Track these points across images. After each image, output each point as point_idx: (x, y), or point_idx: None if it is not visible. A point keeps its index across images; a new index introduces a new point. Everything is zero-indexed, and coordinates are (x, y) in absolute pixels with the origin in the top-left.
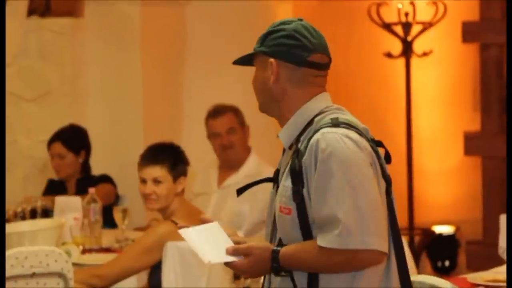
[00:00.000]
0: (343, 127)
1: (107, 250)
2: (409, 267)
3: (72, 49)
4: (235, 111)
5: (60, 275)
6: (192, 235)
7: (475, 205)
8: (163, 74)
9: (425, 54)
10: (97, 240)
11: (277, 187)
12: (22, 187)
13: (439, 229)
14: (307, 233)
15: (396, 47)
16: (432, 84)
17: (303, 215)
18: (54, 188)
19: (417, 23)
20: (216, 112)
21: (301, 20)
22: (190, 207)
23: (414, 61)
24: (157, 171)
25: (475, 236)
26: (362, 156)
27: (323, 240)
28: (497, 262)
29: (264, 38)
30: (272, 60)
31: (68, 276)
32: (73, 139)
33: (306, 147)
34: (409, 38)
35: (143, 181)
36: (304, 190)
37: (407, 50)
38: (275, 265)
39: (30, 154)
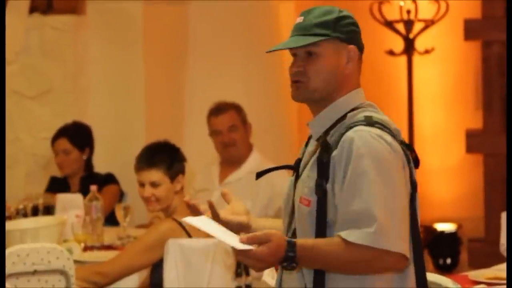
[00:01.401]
0: (377, 127)
1: (109, 247)
2: None
3: (74, 46)
4: (237, 109)
5: (62, 272)
6: (200, 222)
7: (477, 203)
8: (165, 72)
9: (427, 51)
10: (98, 238)
11: (296, 176)
12: (25, 185)
13: (441, 226)
14: (321, 229)
15: (398, 44)
16: (434, 82)
17: (322, 210)
18: (57, 185)
19: (419, 20)
20: (218, 109)
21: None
22: None
23: (416, 58)
24: (154, 174)
25: (477, 234)
26: (395, 158)
27: (352, 236)
28: (499, 259)
29: (334, 23)
30: (352, 46)
31: (70, 274)
32: (79, 135)
33: (336, 142)
34: (411, 36)
35: (141, 184)
36: (328, 185)
37: (409, 47)
38: (291, 254)
39: (33, 152)
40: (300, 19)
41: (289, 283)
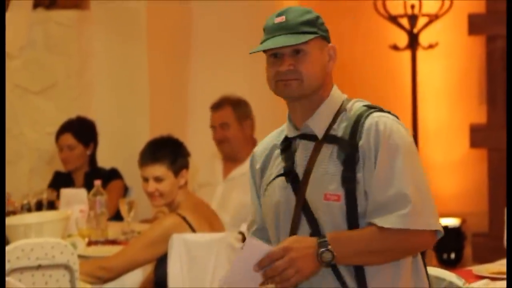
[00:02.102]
0: (387, 112)
1: (113, 242)
2: None
3: (78, 41)
4: (234, 105)
5: (66, 267)
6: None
7: (481, 198)
8: (169, 67)
9: (431, 46)
10: (103, 232)
11: (292, 180)
12: (29, 180)
13: (445, 221)
14: (353, 221)
15: (402, 39)
16: (438, 77)
17: (352, 202)
18: (61, 180)
19: (423, 15)
20: (215, 104)
21: None
22: (195, 198)
23: (420, 53)
24: (158, 169)
25: (481, 229)
26: (412, 140)
27: (387, 221)
28: (503, 254)
29: (317, 22)
30: (331, 44)
31: (74, 268)
32: (83, 131)
33: (352, 133)
34: (415, 31)
35: (145, 179)
36: (359, 175)
37: (413, 42)
38: (323, 240)
39: (37, 147)
40: (281, 19)
41: (316, 284)
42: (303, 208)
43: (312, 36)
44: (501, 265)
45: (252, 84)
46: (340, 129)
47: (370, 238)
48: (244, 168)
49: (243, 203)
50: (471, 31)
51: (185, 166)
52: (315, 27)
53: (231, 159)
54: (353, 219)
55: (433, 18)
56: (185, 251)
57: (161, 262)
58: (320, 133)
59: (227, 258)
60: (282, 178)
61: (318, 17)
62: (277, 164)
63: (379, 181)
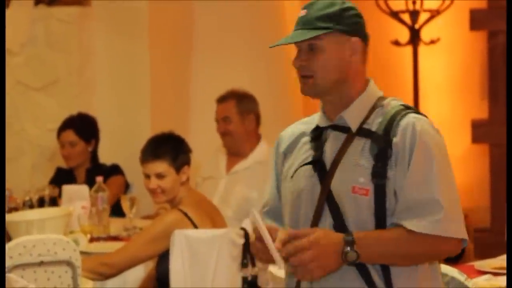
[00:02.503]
0: (423, 115)
1: (115, 238)
2: None
3: (80, 38)
4: (239, 99)
5: (68, 263)
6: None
7: (483, 193)
8: (170, 63)
9: (432, 42)
10: (105, 229)
11: (319, 170)
12: (30, 176)
13: None
14: (381, 218)
15: (404, 35)
16: (440, 72)
17: (381, 199)
18: (63, 176)
19: (425, 11)
20: (220, 97)
21: None
22: (197, 194)
23: (422, 49)
24: (159, 166)
25: (483, 224)
26: (445, 147)
27: (417, 226)
28: (505, 249)
29: (337, 16)
30: (356, 39)
31: (76, 265)
32: (84, 127)
33: (386, 130)
34: (416, 26)
35: (147, 176)
36: (391, 172)
37: (414, 38)
38: (350, 237)
39: (38, 143)
40: (303, 12)
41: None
42: (327, 199)
43: (321, 32)
44: (503, 260)
45: (253, 81)
46: (375, 124)
47: (398, 240)
48: (247, 163)
49: (245, 197)
50: (472, 27)
51: (187, 162)
52: (333, 22)
53: (234, 153)
54: (381, 216)
55: (434, 13)
56: (187, 247)
57: (163, 258)
58: (354, 126)
59: (229, 254)
60: (309, 167)
61: (343, 10)
62: (304, 152)
63: (412, 183)
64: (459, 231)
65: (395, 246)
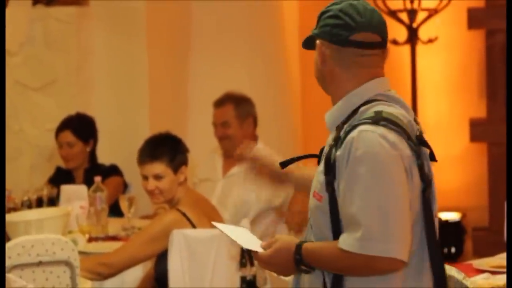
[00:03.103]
0: (382, 125)
1: (114, 238)
2: None
3: (78, 38)
4: (236, 103)
5: (67, 263)
6: (226, 227)
7: (481, 192)
8: (169, 63)
9: (430, 41)
10: (103, 229)
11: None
12: (29, 176)
13: (445, 215)
14: (337, 226)
15: (402, 34)
16: (438, 71)
17: (334, 208)
18: (62, 176)
19: (423, 9)
20: (218, 102)
21: None
22: (195, 194)
23: (420, 48)
24: (157, 167)
25: (481, 223)
26: (396, 160)
27: (343, 243)
28: (503, 248)
29: (318, 21)
30: (318, 41)
31: (75, 265)
32: (82, 127)
33: (342, 141)
34: (414, 25)
35: (145, 177)
36: (336, 183)
37: (412, 37)
38: (298, 256)
39: (37, 143)
40: None
41: (309, 282)
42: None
43: (306, 38)
44: (501, 259)
45: (252, 81)
46: (345, 132)
47: (334, 256)
48: (244, 166)
49: (243, 200)
50: (470, 25)
51: (184, 162)
52: (315, 29)
53: (231, 156)
54: (336, 224)
55: (432, 12)
56: (186, 247)
57: (161, 258)
58: (330, 128)
59: (227, 253)
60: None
61: (321, 14)
62: None
63: (341, 198)
64: (387, 249)
65: (333, 262)
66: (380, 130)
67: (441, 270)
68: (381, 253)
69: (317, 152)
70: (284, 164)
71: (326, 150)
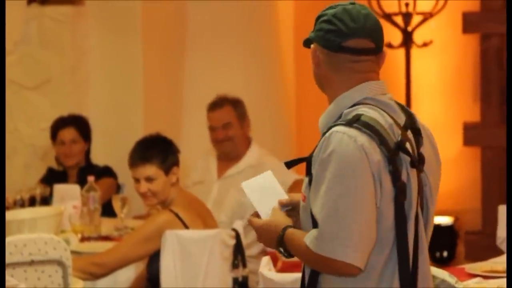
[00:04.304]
0: (355, 128)
1: (106, 238)
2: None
3: (73, 37)
4: (234, 104)
5: (59, 263)
6: (252, 187)
7: (474, 196)
8: (164, 63)
9: (425, 44)
10: (96, 229)
11: None
12: (23, 175)
13: (438, 219)
14: (316, 224)
15: (396, 37)
16: (432, 75)
17: None
18: (54, 176)
19: (418, 13)
20: (214, 105)
21: (352, 3)
22: (188, 195)
23: (414, 51)
24: (148, 169)
25: (473, 227)
26: (362, 163)
27: (307, 238)
28: (496, 252)
29: (315, 21)
30: (312, 45)
31: (67, 264)
32: (84, 126)
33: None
34: (409, 29)
35: (137, 180)
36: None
37: (407, 40)
38: (279, 238)
39: (31, 142)
40: None
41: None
42: None
43: (304, 40)
44: (493, 263)
45: (247, 82)
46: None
47: (301, 248)
48: (240, 167)
49: (240, 201)
50: (465, 29)
51: (176, 163)
52: (312, 31)
53: (229, 158)
54: (316, 223)
55: (427, 16)
56: (178, 248)
57: (154, 259)
58: (322, 131)
59: (220, 254)
60: None
61: (317, 18)
62: None
63: (310, 197)
64: (336, 253)
65: (300, 254)
66: (351, 132)
67: (408, 279)
68: (333, 256)
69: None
70: (289, 164)
71: None
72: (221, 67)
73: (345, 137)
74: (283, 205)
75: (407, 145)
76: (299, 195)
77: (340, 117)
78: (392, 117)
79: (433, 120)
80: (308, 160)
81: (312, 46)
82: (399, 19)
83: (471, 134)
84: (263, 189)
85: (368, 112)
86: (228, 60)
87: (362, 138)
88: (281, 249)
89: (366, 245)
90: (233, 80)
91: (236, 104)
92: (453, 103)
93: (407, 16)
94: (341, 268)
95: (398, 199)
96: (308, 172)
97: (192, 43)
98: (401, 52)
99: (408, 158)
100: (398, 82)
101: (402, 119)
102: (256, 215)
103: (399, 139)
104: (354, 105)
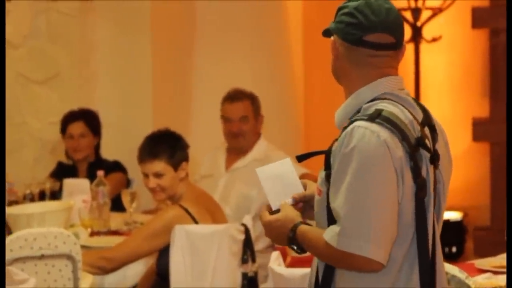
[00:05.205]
0: (377, 123)
1: (115, 233)
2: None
3: (82, 31)
4: (252, 99)
5: (69, 257)
6: (266, 174)
7: (483, 191)
8: (172, 58)
9: (434, 39)
10: (105, 223)
11: None
12: (32, 169)
13: (447, 215)
14: (332, 222)
15: (406, 32)
16: (441, 70)
17: (329, 201)
18: (64, 171)
19: (427, 8)
20: (234, 97)
21: None
22: (197, 190)
23: (424, 46)
24: (156, 165)
25: (482, 222)
26: (385, 158)
27: (327, 234)
28: (505, 248)
29: (336, 12)
30: (332, 37)
31: (77, 258)
32: (93, 120)
33: (339, 136)
34: (418, 24)
35: (146, 175)
36: (331, 179)
37: (416, 35)
38: (291, 234)
39: (40, 136)
40: None
41: (311, 274)
42: None
43: (324, 30)
44: (503, 259)
45: (255, 79)
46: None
47: (318, 244)
48: (246, 160)
49: (245, 195)
50: (474, 25)
51: (185, 158)
52: (333, 22)
53: (237, 152)
54: (331, 217)
55: (436, 11)
56: (187, 243)
57: (163, 253)
58: (338, 125)
59: (229, 249)
60: None
61: (338, 10)
62: None
63: (331, 191)
64: (360, 249)
65: (317, 250)
66: (374, 127)
67: (428, 274)
68: (356, 251)
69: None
70: (300, 158)
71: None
72: (229, 62)
73: (367, 132)
74: (296, 201)
75: (426, 141)
76: (313, 187)
77: (358, 111)
78: (411, 113)
79: (441, 116)
80: (327, 154)
81: (332, 38)
82: (408, 15)
83: (480, 130)
84: (278, 177)
85: (388, 107)
86: (236, 56)
87: (384, 134)
88: (294, 246)
89: (389, 241)
90: (241, 76)
91: (254, 100)
92: (462, 98)
93: (416, 12)
94: (363, 264)
95: (418, 195)
96: (327, 167)
97: (200, 38)
98: (410, 47)
99: (427, 154)
100: (407, 77)
101: (419, 115)
102: (268, 207)
103: (418, 135)
104: (372, 100)
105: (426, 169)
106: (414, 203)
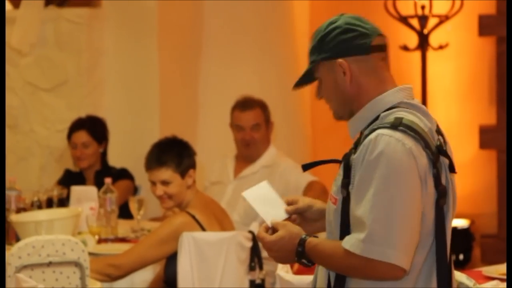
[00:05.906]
0: (401, 131)
1: (123, 240)
2: None
3: (89, 39)
4: (263, 107)
5: (77, 264)
6: (253, 196)
7: (490, 199)
8: (180, 65)
9: (441, 47)
10: (113, 230)
11: None
12: (39, 177)
13: (454, 222)
14: (345, 230)
15: (412, 40)
16: (448, 78)
17: (345, 209)
18: (71, 178)
19: (434, 16)
20: (245, 105)
21: (343, 14)
22: (204, 197)
23: (430, 54)
24: (163, 173)
25: (490, 230)
26: (411, 166)
27: (347, 242)
28: None
29: (319, 46)
30: (340, 60)
31: (85, 265)
32: (97, 128)
33: (356, 144)
34: (425, 31)
35: (153, 183)
36: (350, 186)
37: (423, 43)
38: (300, 249)
39: (47, 144)
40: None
41: (319, 282)
42: None
43: (310, 67)
44: None
45: (263, 84)
46: (363, 136)
47: (336, 254)
48: (255, 167)
49: None
50: (481, 32)
51: (192, 166)
52: (317, 52)
53: (246, 159)
54: (344, 225)
55: (443, 18)
56: (195, 250)
57: (171, 261)
58: (352, 135)
59: (236, 257)
60: None
61: (324, 36)
62: None
63: (353, 200)
64: (388, 254)
65: (334, 261)
66: (398, 135)
67: (446, 281)
68: (381, 258)
69: (332, 157)
70: (306, 167)
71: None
72: (237, 68)
73: (392, 140)
74: (290, 213)
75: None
76: (305, 201)
77: (374, 120)
78: (429, 121)
79: (448, 123)
80: (345, 163)
81: (339, 61)
82: (415, 22)
83: (487, 137)
84: (263, 196)
85: (407, 116)
86: (244, 61)
87: (409, 142)
88: (304, 260)
89: (412, 248)
90: (248, 81)
91: (264, 107)
92: (469, 106)
93: (423, 19)
94: (388, 271)
95: (439, 203)
96: (346, 176)
97: (208, 44)
98: (417, 54)
99: (446, 162)
100: (414, 84)
101: (433, 123)
102: (265, 227)
103: (437, 143)
104: (388, 109)
105: (446, 177)
106: (435, 211)
